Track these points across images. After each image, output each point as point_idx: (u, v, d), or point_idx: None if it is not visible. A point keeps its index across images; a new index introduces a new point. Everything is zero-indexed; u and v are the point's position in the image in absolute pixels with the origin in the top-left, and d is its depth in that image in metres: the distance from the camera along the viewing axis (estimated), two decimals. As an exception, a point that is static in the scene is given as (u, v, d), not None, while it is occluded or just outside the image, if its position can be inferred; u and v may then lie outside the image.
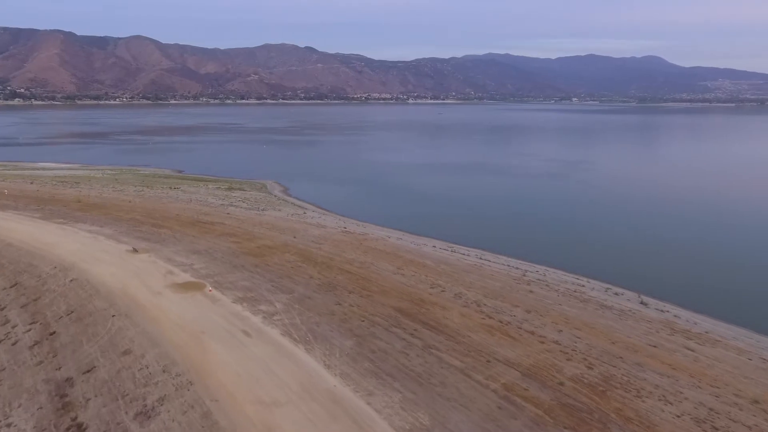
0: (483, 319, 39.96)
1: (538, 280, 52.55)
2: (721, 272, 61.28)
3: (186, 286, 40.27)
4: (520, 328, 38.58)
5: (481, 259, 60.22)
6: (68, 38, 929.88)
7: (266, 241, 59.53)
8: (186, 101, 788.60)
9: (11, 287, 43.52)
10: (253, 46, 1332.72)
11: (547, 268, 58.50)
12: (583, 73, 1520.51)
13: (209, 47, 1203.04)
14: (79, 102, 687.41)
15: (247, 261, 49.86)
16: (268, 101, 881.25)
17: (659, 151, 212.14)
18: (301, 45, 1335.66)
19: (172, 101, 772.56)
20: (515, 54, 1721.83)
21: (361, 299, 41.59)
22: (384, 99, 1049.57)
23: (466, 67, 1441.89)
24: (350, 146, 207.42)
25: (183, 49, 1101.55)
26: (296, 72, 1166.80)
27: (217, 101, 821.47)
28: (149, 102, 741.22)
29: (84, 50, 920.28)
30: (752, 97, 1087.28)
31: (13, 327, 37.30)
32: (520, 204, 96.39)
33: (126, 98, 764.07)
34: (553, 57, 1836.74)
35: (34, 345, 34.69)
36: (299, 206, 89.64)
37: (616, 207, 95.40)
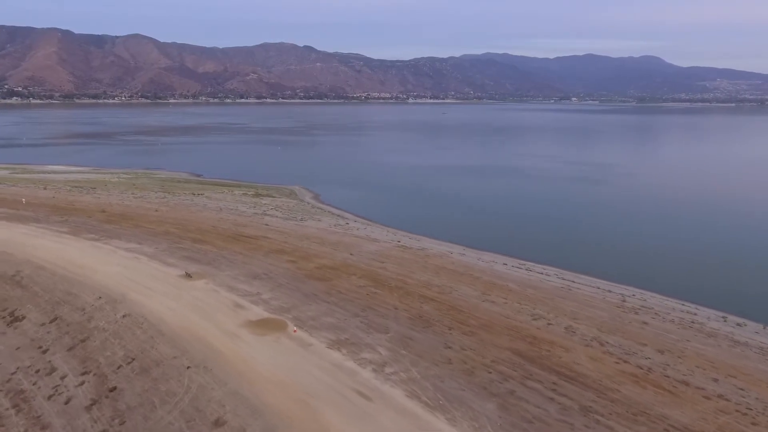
0: (617, 363, 33.72)
1: (642, 307, 46.27)
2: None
3: (264, 325, 33.76)
4: (668, 377, 32.34)
5: (563, 279, 53.88)
6: (66, 36, 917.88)
7: (324, 260, 53.09)
8: (185, 100, 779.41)
9: (51, 322, 36.90)
10: (252, 45, 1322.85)
11: (641, 291, 52.17)
12: (581, 73, 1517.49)
13: (208, 46, 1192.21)
14: (77, 101, 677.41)
15: (316, 287, 43.38)
16: (268, 100, 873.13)
17: (693, 152, 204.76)
18: (300, 44, 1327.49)
19: (171, 100, 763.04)
20: (514, 54, 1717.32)
21: (467, 339, 35.22)
22: (383, 98, 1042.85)
23: (465, 66, 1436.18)
24: (365, 147, 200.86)
25: (181, 48, 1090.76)
26: (295, 71, 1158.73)
27: (216, 100, 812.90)
28: (148, 101, 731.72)
29: (82, 49, 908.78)
30: (751, 97, 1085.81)
31: (62, 378, 30.73)
32: (572, 213, 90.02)
33: (125, 97, 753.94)
34: (552, 57, 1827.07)
35: (91, 405, 28.14)
36: (338, 216, 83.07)
37: (677, 216, 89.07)
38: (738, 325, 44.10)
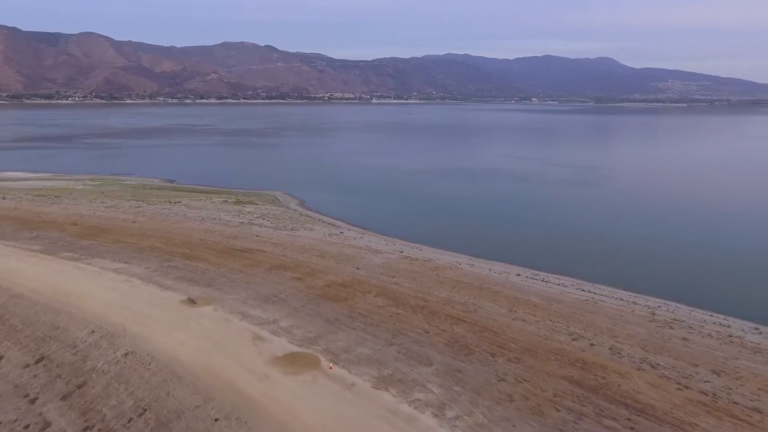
0: (679, 389, 31.16)
1: (674, 320, 44.12)
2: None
3: (294, 361, 29.73)
4: (737, 404, 29.98)
5: (583, 290, 51.44)
6: (13, 34, 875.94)
7: (332, 276, 49.16)
8: (142, 101, 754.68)
9: (36, 363, 31.87)
10: (211, 44, 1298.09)
11: (664, 301, 50.19)
12: (540, 74, 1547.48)
13: (165, 45, 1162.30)
14: (27, 101, 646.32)
15: (335, 310, 39.47)
16: (229, 101, 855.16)
17: (672, 151, 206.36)
18: (261, 44, 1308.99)
19: (128, 101, 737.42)
20: (474, 54, 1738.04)
21: (516, 367, 32.06)
22: (346, 99, 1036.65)
23: (427, 66, 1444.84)
24: (342, 149, 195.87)
25: (137, 46, 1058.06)
26: (257, 71, 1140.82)
27: (175, 101, 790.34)
28: (104, 101, 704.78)
29: (31, 47, 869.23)
30: (701, 97, 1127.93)
31: (60, 435, 25.95)
32: (571, 217, 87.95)
33: (78, 97, 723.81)
34: (511, 57, 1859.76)
35: (103, 470, 23.59)
36: (330, 224, 78.90)
37: (677, 218, 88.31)
38: (776, 337, 42.41)
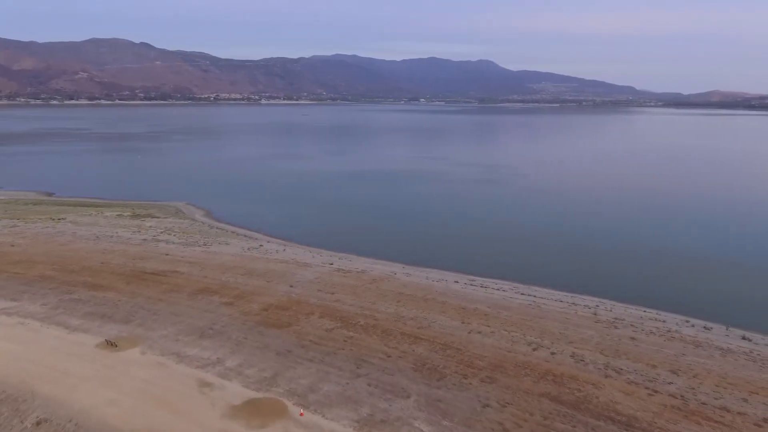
0: (650, 395, 31.18)
1: (616, 319, 44.99)
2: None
3: (257, 411, 25.52)
4: (705, 405, 30.45)
5: (522, 294, 51.27)
6: None
7: (266, 298, 44.72)
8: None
9: None
10: (79, 40, 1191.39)
11: (600, 299, 51.26)
12: (427, 75, 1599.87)
13: (24, 40, 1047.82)
14: None
15: (283, 339, 35.34)
16: (103, 102, 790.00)
17: (566, 147, 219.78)
18: (136, 40, 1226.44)
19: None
20: (362, 55, 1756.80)
21: (493, 389, 30.28)
22: (234, 99, 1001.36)
23: (316, 67, 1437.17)
24: (242, 153, 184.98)
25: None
26: (133, 70, 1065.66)
27: (39, 102, 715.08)
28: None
29: None
30: (570, 98, 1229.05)
31: None
32: (485, 216, 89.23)
33: None
34: (399, 59, 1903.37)
35: None
36: (246, 236, 73.02)
37: (582, 211, 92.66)
38: (705, 329, 44.55)
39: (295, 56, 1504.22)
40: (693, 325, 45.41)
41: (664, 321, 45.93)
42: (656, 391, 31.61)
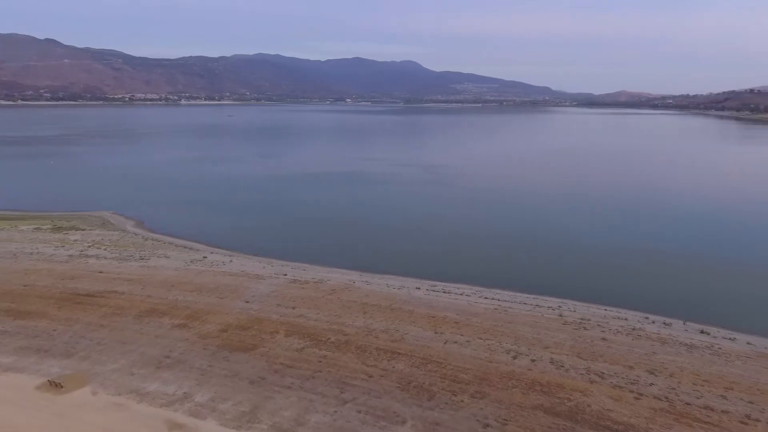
0: (637, 398, 31.08)
1: (582, 320, 45.18)
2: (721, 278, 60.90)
3: (242, 454, 22.54)
4: (690, 405, 30.68)
5: (486, 298, 50.59)
6: None
7: (223, 317, 41.25)
8: None
9: None
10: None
11: (561, 300, 51.57)
12: (352, 75, 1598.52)
13: None
14: None
15: (251, 364, 32.32)
16: (2, 102, 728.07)
17: (494, 146, 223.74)
18: (40, 37, 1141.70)
19: None
20: (286, 55, 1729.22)
21: (488, 406, 29.00)
22: (151, 100, 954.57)
23: (238, 66, 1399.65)
24: (166, 156, 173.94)
25: None
26: (37, 68, 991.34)
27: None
28: None
29: None
30: (491, 98, 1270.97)
31: None
32: (432, 217, 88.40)
33: None
34: (323, 59, 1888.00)
35: None
36: (186, 248, 67.99)
37: (528, 209, 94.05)
38: (665, 324, 45.68)
39: (215, 55, 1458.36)
40: (653, 322, 46.49)
41: (626, 319, 46.69)
42: (641, 394, 31.50)
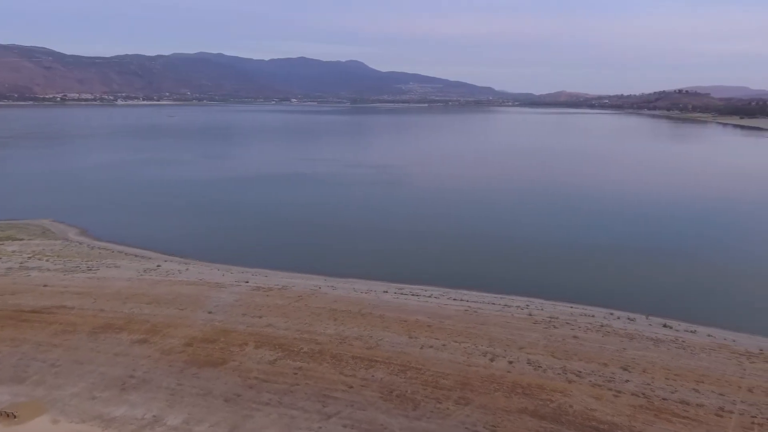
0: (616, 396, 31.44)
1: (551, 318, 45.62)
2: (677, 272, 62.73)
3: (227, 481, 20.99)
4: (666, 400, 31.22)
5: (456, 300, 50.32)
6: None
7: (184, 330, 39.09)
8: None
9: None
10: None
11: (527, 299, 51.96)
12: (297, 75, 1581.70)
13: None
14: None
15: (223, 380, 30.53)
16: None
17: (445, 145, 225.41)
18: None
19: None
20: (228, 54, 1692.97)
21: (473, 412, 28.52)
22: (85, 100, 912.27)
23: (178, 65, 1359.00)
24: (106, 159, 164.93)
25: None
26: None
27: None
28: None
29: None
30: (437, 98, 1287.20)
31: None
32: (387, 217, 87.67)
33: None
34: (267, 58, 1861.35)
35: None
36: (137, 256, 64.33)
37: (483, 207, 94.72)
38: (629, 320, 46.78)
39: (152, 53, 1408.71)
40: (618, 318, 47.52)
41: (593, 316, 47.52)
42: (620, 392, 31.84)
